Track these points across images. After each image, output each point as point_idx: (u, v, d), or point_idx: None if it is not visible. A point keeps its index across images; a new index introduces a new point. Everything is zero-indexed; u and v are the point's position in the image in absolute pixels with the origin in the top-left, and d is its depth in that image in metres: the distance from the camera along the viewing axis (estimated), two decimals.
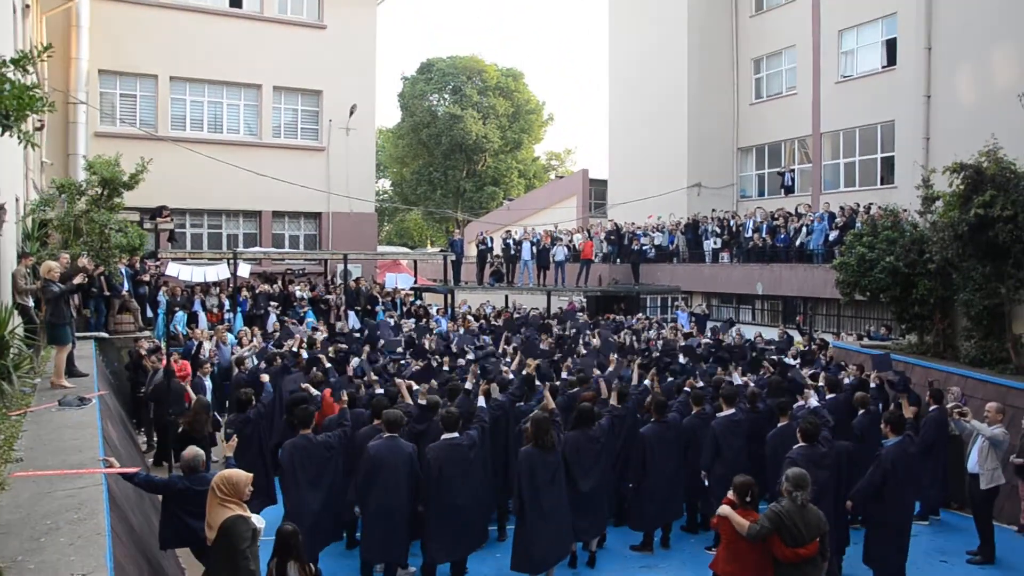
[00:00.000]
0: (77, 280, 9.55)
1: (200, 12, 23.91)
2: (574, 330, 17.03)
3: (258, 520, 5.40)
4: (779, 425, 8.85)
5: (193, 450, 6.33)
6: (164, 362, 11.46)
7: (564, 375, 11.52)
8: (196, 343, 14.61)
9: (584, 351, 14.08)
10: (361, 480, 7.67)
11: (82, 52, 20.51)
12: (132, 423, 12.38)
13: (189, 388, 12.01)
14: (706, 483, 9.18)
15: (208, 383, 12.64)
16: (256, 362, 12.96)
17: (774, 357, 14.19)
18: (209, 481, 5.35)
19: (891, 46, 23.06)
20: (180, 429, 9.11)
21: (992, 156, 12.36)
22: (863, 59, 24.39)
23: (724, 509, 6.20)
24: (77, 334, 10.87)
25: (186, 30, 23.38)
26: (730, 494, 6.30)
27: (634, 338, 16.61)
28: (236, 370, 12.41)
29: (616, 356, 12.78)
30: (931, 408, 10.62)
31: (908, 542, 7.83)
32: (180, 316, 17.08)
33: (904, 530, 7.81)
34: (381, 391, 9.80)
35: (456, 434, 7.70)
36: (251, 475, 5.42)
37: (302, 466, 7.70)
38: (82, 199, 15.00)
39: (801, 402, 9.91)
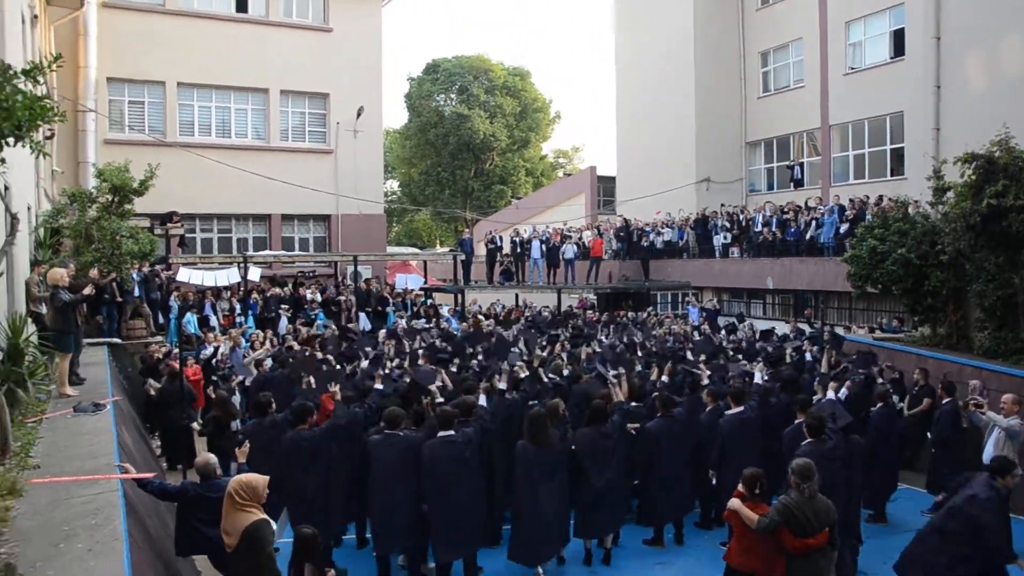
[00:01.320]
0: (86, 291, 9.63)
1: (206, 18, 23.99)
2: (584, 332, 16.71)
3: (273, 523, 5.38)
4: (796, 422, 8.76)
5: (206, 456, 6.29)
6: (174, 366, 11.51)
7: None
8: (211, 347, 14.63)
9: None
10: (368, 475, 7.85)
11: (90, 60, 20.65)
12: (146, 428, 12.45)
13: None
14: (713, 481, 9.15)
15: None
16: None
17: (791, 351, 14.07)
18: (223, 487, 5.22)
19: (899, 36, 22.92)
20: (209, 423, 9.20)
21: (1004, 145, 12.23)
22: (871, 50, 24.25)
23: (734, 502, 6.23)
24: (90, 340, 10.93)
25: (192, 36, 23.47)
26: (740, 487, 6.31)
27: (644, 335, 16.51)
28: (254, 372, 12.43)
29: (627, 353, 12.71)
30: (944, 401, 10.56)
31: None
32: (190, 318, 17.15)
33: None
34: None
35: (451, 432, 7.71)
36: (267, 478, 5.29)
37: (295, 459, 7.87)
38: (93, 206, 15.10)
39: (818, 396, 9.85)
